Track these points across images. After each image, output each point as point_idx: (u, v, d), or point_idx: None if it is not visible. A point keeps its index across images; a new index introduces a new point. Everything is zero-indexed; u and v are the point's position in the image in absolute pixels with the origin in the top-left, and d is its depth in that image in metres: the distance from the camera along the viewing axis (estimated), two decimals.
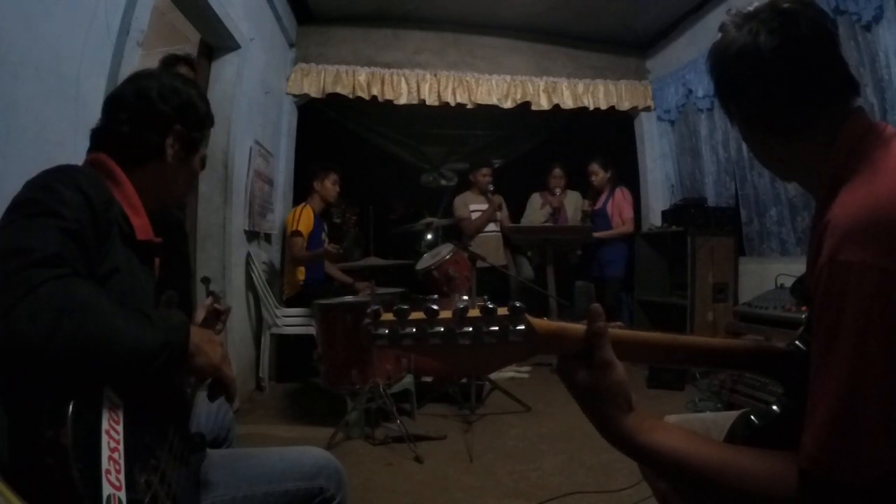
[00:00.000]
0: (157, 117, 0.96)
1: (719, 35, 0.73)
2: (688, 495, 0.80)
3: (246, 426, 2.69)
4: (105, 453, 0.66)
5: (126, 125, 0.95)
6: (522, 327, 0.54)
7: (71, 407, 0.64)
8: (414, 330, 0.54)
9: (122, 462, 0.68)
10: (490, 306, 0.54)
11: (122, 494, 0.66)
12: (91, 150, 0.97)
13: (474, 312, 0.54)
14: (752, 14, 0.69)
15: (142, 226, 0.92)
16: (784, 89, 0.68)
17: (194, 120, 1.01)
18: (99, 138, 0.97)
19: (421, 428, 2.64)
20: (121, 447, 0.69)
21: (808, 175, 0.73)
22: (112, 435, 0.68)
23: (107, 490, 0.64)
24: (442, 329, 0.54)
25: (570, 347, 0.60)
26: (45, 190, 0.78)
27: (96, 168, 0.92)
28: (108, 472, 0.65)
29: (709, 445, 0.59)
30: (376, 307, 0.55)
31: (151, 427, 0.79)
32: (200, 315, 1.20)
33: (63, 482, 0.62)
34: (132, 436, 0.72)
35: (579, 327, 0.60)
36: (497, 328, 0.53)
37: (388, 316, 0.54)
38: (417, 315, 0.54)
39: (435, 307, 0.54)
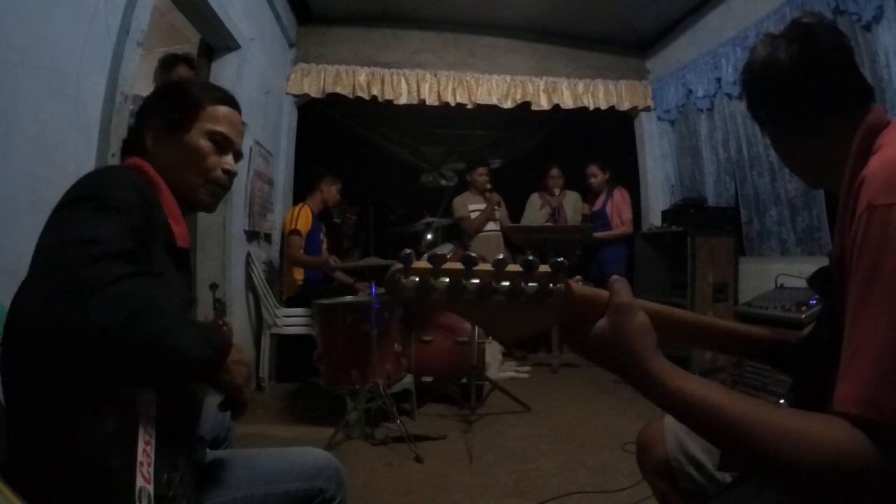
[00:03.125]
0: (140, 117, 0.99)
1: (749, 55, 0.81)
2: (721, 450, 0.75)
3: (246, 426, 2.69)
4: (140, 446, 0.67)
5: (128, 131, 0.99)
6: (561, 286, 0.50)
7: (116, 399, 0.65)
8: (447, 280, 0.48)
9: (152, 456, 0.69)
10: (531, 259, 0.50)
11: (151, 488, 0.67)
12: (124, 155, 0.98)
13: (514, 267, 0.50)
14: (776, 34, 0.78)
15: (181, 233, 0.92)
16: (804, 90, 0.75)
17: (173, 104, 0.99)
18: (125, 144, 1.00)
19: (421, 428, 2.63)
20: (153, 441, 0.70)
21: (835, 169, 0.75)
22: (147, 429, 0.69)
23: (139, 483, 0.64)
24: (477, 282, 0.49)
25: (599, 314, 0.57)
26: (108, 187, 0.79)
27: (140, 173, 0.91)
28: (141, 464, 0.66)
29: (745, 399, 0.55)
30: (409, 251, 0.48)
31: (171, 427, 0.80)
32: None
33: (98, 472, 0.61)
34: (157, 433, 0.73)
35: (607, 293, 0.58)
36: (536, 285, 0.50)
37: (422, 264, 0.49)
38: (453, 265, 0.49)
39: (474, 255, 0.49)
